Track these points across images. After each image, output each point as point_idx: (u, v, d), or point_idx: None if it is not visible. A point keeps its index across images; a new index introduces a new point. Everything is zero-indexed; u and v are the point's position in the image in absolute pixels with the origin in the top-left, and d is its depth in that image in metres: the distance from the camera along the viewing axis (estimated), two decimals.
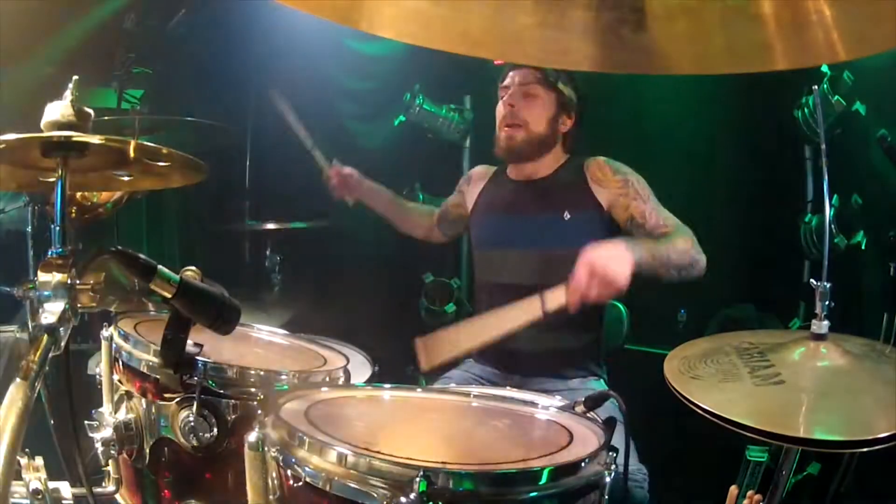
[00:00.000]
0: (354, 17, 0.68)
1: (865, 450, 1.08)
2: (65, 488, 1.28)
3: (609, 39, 0.67)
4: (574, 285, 1.57)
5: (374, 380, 1.54)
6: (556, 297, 1.56)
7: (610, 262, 1.58)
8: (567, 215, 2.03)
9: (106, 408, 1.47)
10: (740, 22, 0.67)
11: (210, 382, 1.31)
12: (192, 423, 1.30)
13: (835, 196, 2.60)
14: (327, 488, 0.98)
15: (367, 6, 0.68)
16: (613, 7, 0.66)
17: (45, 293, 1.03)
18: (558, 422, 1.27)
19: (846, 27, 0.64)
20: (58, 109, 1.17)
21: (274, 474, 1.07)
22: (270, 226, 3.09)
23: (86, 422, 1.41)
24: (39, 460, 1.32)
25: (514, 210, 2.14)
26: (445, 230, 2.44)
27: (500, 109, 2.13)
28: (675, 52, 0.70)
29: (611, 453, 1.09)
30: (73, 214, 2.58)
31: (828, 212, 2.34)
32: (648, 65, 0.73)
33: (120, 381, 1.45)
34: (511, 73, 2.12)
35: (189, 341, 1.29)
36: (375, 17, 0.68)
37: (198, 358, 1.31)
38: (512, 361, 2.08)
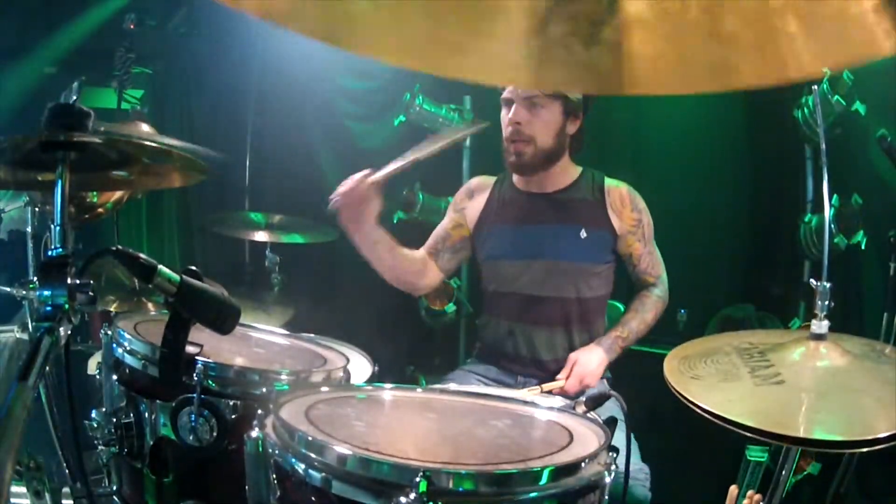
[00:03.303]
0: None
1: (865, 450, 1.09)
2: (65, 489, 1.28)
3: (558, 55, 0.63)
4: (565, 390, 1.95)
5: (374, 380, 1.54)
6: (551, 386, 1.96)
7: (590, 374, 1.99)
8: (584, 233, 2.06)
9: (106, 408, 1.47)
10: (699, 38, 0.64)
11: (210, 382, 1.31)
12: (192, 423, 1.29)
13: (835, 196, 2.60)
14: (327, 488, 0.98)
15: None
16: (566, 20, 0.61)
17: (45, 293, 1.03)
18: (558, 422, 1.26)
19: (812, 44, 0.62)
20: (59, 109, 1.17)
21: (274, 474, 1.07)
22: (262, 237, 3.00)
23: (86, 422, 1.41)
24: (40, 460, 1.32)
25: (527, 221, 2.11)
26: (446, 263, 2.22)
27: (505, 122, 2.03)
28: (629, 70, 0.66)
29: (611, 453, 1.09)
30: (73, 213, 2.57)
31: (828, 212, 2.34)
32: (599, 83, 0.70)
33: (120, 380, 1.44)
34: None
35: (189, 341, 1.28)
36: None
37: (198, 358, 1.31)
38: (514, 361, 2.08)
